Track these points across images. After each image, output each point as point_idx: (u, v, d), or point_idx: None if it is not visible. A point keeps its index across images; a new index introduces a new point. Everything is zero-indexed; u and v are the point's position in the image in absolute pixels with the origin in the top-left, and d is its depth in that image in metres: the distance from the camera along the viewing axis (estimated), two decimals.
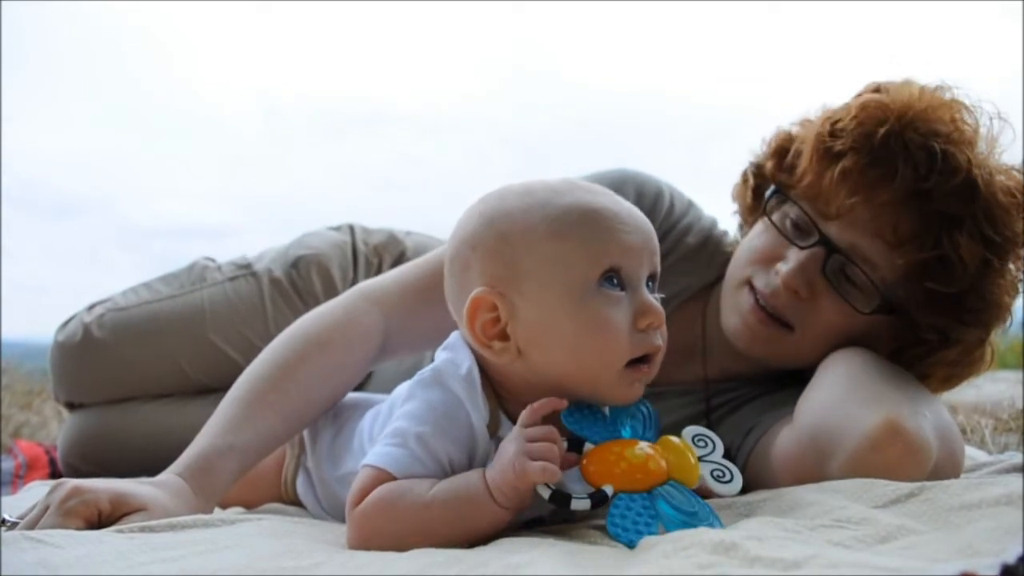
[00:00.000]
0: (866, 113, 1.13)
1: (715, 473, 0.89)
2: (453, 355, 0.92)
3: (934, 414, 1.05)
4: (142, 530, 0.87)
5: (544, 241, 0.87)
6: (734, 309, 1.20)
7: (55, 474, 1.60)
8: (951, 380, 1.23)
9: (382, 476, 0.85)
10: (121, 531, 0.86)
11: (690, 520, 0.81)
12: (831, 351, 1.16)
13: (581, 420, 0.88)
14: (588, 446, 0.86)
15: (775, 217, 1.20)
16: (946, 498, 0.82)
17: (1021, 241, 1.13)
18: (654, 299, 0.89)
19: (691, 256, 1.32)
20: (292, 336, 1.10)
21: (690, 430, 0.93)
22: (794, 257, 1.15)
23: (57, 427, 2.23)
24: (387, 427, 0.90)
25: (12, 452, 1.67)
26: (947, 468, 1.03)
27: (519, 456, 0.81)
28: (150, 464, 1.46)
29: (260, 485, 1.16)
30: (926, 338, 1.17)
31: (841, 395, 1.05)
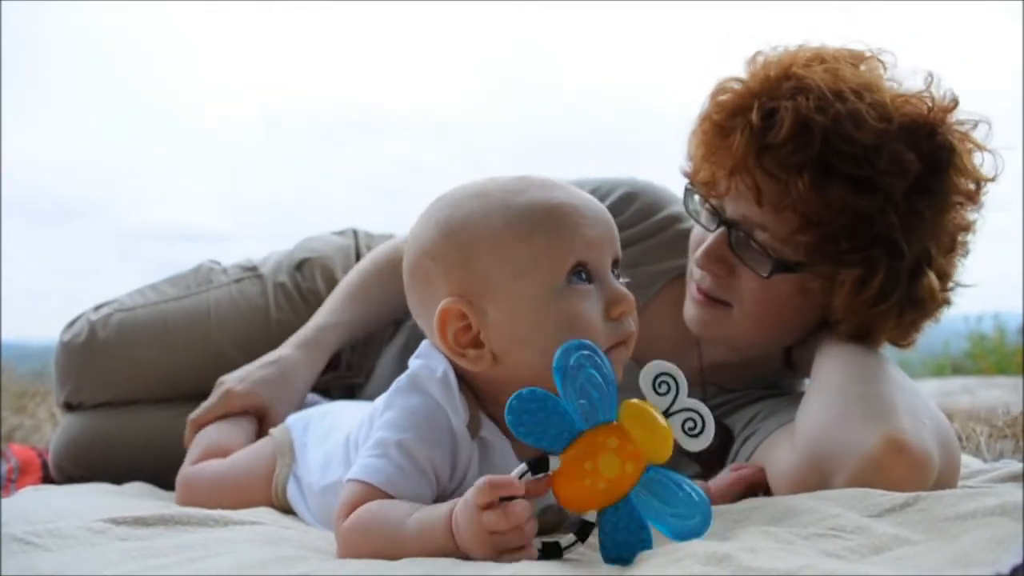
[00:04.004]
0: (713, 97, 1.21)
1: (686, 426, 0.81)
2: (427, 360, 0.91)
3: (932, 420, 1.05)
4: (136, 523, 0.87)
5: (509, 245, 0.87)
6: (687, 300, 1.26)
7: (47, 478, 1.59)
8: (873, 323, 1.16)
9: (367, 490, 0.85)
10: (115, 521, 0.86)
11: (679, 512, 0.77)
12: (781, 324, 1.21)
13: (529, 423, 0.77)
14: (553, 461, 0.77)
15: (696, 211, 1.26)
16: (941, 508, 0.82)
17: (902, 171, 1.10)
18: (622, 286, 0.90)
19: (682, 237, 1.35)
20: (371, 258, 1.51)
21: (649, 372, 0.82)
22: (706, 241, 1.20)
23: (51, 430, 2.22)
24: (368, 438, 0.90)
25: (5, 456, 1.66)
26: (947, 476, 1.03)
27: (486, 547, 0.75)
28: (143, 470, 1.46)
29: (250, 492, 1.15)
30: (818, 285, 1.15)
31: (840, 409, 1.05)
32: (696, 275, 1.22)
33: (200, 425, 1.32)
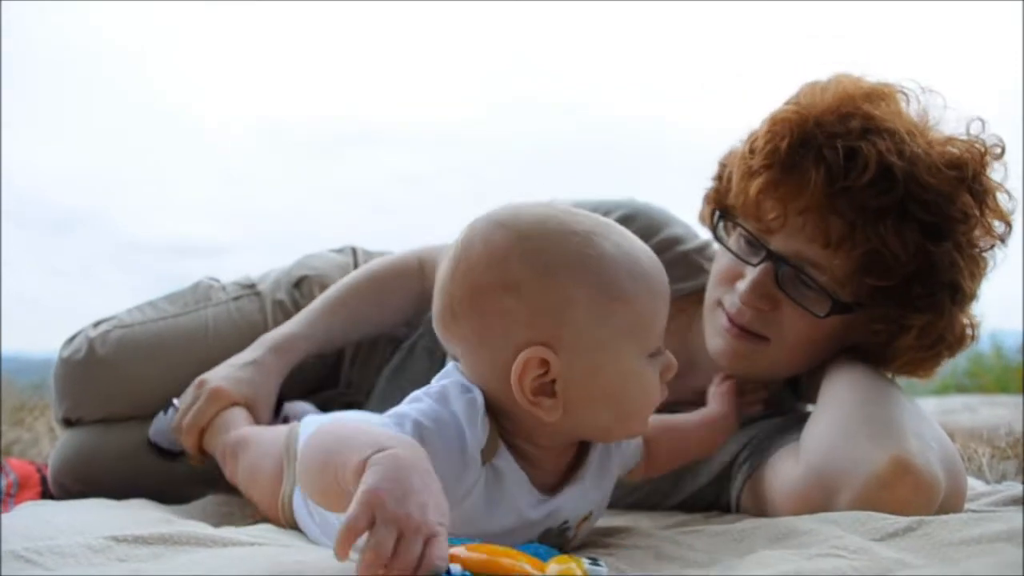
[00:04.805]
0: (775, 128, 1.16)
1: None
2: (461, 380, 0.88)
3: (939, 444, 1.05)
4: (136, 542, 0.86)
5: (608, 306, 0.84)
6: (713, 330, 1.23)
7: (46, 493, 1.58)
8: (920, 364, 1.20)
9: None
10: (116, 539, 0.85)
11: None
12: (812, 356, 1.19)
13: None
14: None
15: (731, 238, 1.23)
16: (945, 533, 0.81)
17: (965, 216, 1.11)
18: (668, 352, 0.91)
19: (681, 260, 1.35)
20: (360, 271, 1.55)
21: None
22: (749, 275, 1.17)
23: (49, 444, 2.21)
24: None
25: (4, 470, 1.65)
26: (953, 500, 1.03)
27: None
28: (143, 486, 1.45)
29: (254, 502, 1.15)
30: (883, 327, 1.16)
31: (847, 428, 1.05)
32: (731, 306, 1.19)
33: (200, 430, 1.33)
